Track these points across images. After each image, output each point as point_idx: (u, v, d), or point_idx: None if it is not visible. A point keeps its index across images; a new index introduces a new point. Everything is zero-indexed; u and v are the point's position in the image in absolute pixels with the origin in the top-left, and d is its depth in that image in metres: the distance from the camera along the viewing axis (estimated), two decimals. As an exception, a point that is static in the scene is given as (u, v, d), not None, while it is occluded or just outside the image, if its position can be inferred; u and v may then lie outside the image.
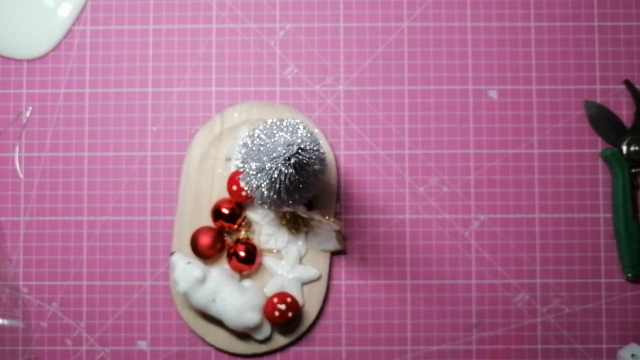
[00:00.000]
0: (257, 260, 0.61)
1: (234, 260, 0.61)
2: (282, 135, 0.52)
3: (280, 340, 0.62)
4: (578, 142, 0.64)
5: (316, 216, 0.58)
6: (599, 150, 0.64)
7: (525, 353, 0.63)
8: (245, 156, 0.54)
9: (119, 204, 0.64)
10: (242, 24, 0.65)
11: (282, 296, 0.60)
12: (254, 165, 0.52)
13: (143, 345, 0.63)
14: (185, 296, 0.59)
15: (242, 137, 0.61)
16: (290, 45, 0.64)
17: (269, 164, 0.51)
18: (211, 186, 0.63)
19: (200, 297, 0.59)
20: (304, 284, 0.62)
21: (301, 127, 0.54)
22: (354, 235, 0.63)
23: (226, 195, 0.62)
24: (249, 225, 0.63)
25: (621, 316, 0.63)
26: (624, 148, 0.63)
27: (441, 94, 0.64)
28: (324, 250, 0.62)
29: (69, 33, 0.65)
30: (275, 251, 0.62)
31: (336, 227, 0.60)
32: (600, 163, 0.64)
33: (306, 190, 0.54)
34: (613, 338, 0.63)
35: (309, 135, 0.53)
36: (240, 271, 0.61)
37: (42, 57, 0.65)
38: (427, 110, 0.64)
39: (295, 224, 0.62)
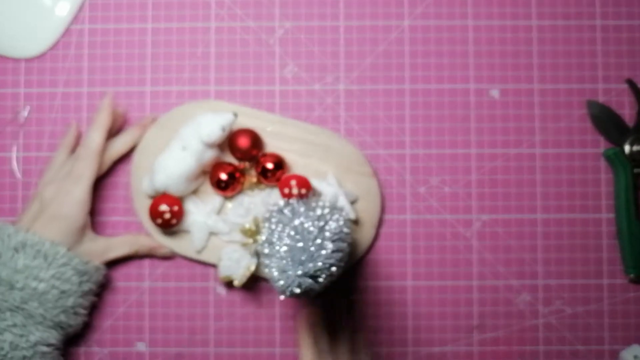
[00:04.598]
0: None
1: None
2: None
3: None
4: (580, 141, 0.64)
5: None
6: (602, 150, 0.64)
7: (527, 354, 0.63)
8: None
9: (116, 204, 0.64)
10: (241, 23, 0.65)
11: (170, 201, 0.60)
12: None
13: (141, 346, 0.63)
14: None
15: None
16: (290, 44, 0.64)
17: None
18: None
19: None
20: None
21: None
22: (355, 236, 0.63)
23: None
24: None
25: (623, 317, 0.63)
26: (627, 148, 0.63)
27: (442, 93, 0.64)
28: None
29: (66, 32, 0.65)
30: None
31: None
32: (603, 163, 0.64)
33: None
34: (615, 339, 0.63)
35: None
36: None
37: (40, 56, 0.65)
38: (428, 110, 0.64)
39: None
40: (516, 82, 0.64)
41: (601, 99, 0.64)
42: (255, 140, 0.61)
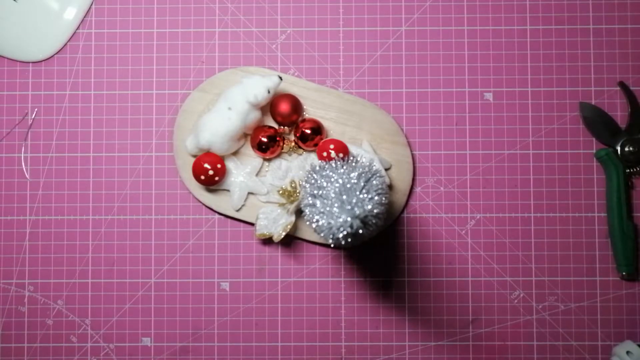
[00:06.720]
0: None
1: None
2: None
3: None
4: (573, 142, 0.64)
5: None
6: (594, 151, 0.64)
7: (521, 349, 0.63)
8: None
9: (123, 203, 0.64)
10: (244, 28, 0.65)
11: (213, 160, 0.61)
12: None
13: (147, 341, 0.63)
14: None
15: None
16: (291, 48, 0.65)
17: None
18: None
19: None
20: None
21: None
22: (354, 234, 0.64)
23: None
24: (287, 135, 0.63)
25: (616, 314, 0.63)
26: (619, 149, 0.63)
27: (438, 96, 0.64)
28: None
29: (73, 36, 0.65)
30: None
31: None
32: (595, 163, 0.64)
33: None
34: (608, 335, 0.63)
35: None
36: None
37: (48, 59, 0.65)
38: (425, 112, 0.64)
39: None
40: (510, 85, 0.64)
41: (594, 101, 0.64)
42: (296, 106, 0.62)
